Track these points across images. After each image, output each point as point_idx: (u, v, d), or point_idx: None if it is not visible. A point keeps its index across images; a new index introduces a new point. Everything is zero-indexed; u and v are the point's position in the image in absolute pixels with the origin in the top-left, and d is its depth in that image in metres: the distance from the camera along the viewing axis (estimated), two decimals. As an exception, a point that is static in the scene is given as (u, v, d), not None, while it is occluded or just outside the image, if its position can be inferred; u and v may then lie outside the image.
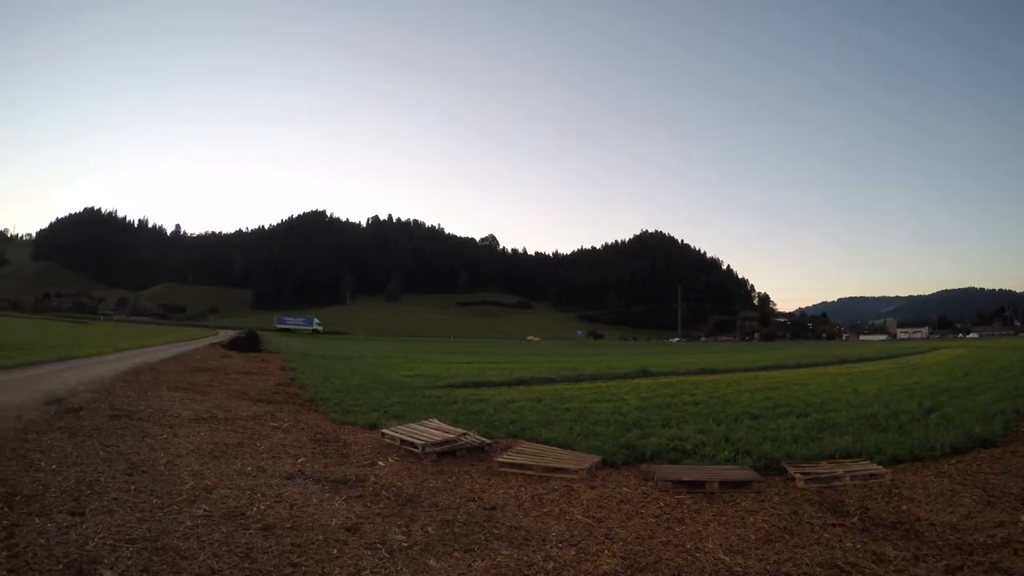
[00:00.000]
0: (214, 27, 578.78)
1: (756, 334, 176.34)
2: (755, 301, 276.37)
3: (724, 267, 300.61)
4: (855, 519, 5.96)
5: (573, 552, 5.06)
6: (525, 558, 4.91)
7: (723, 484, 6.83)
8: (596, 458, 8.11)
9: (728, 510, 6.20)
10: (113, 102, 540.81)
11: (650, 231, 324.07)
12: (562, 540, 5.36)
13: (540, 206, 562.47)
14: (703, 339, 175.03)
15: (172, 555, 4.67)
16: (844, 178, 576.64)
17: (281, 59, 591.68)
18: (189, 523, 5.41)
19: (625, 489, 6.97)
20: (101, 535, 4.95)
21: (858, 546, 5.24)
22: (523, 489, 7.05)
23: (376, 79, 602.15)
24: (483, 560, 4.87)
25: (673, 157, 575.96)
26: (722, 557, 4.95)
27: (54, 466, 7.08)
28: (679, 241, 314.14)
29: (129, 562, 4.47)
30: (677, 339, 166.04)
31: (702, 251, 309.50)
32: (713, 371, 25.93)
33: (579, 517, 6.00)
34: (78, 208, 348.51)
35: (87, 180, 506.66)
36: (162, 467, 7.41)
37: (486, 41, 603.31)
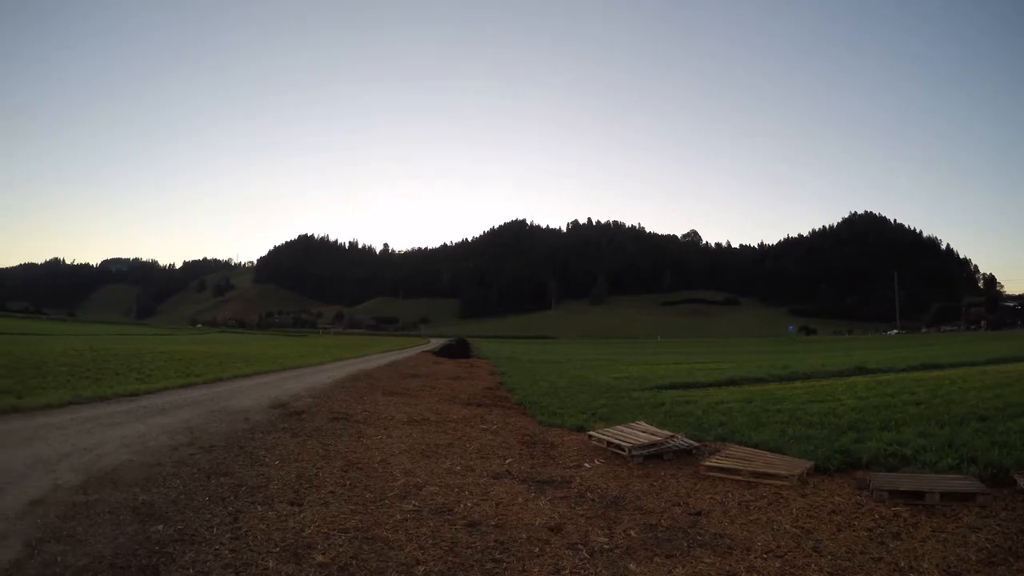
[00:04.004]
0: (405, 50, 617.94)
1: (982, 322, 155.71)
2: (979, 284, 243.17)
3: (943, 247, 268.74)
4: (1090, 542, 5.08)
5: (778, 564, 4.79)
6: (727, 568, 4.72)
7: (944, 496, 6.11)
8: (808, 464, 7.64)
9: (948, 525, 5.57)
10: (319, 137, 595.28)
11: (859, 212, 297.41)
12: (767, 551, 5.08)
13: (741, 195, 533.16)
14: (924, 330, 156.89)
15: (381, 545, 4.99)
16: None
17: (474, 79, 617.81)
18: (399, 517, 5.76)
19: (837, 498, 6.49)
20: (316, 524, 5.42)
21: (1090, 574, 4.49)
22: (730, 495, 6.80)
23: (565, 86, 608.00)
24: (684, 567, 4.73)
25: (876, 128, 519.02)
26: (937, 580, 4.50)
27: (277, 462, 7.86)
28: (891, 221, 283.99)
29: (340, 549, 4.85)
30: (895, 331, 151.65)
31: (917, 230, 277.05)
32: (936, 366, 23.56)
33: (787, 527, 5.68)
34: (293, 236, 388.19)
35: (300, 210, 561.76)
36: (376, 465, 7.96)
37: (671, 30, 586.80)
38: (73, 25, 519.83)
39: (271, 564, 4.50)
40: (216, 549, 4.73)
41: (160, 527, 5.14)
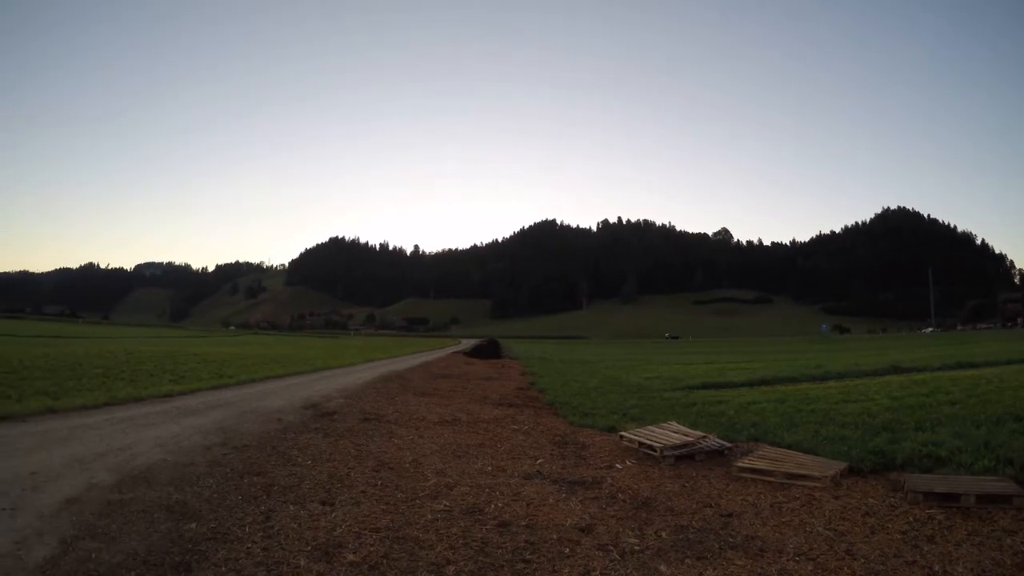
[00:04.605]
0: (434, 52, 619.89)
1: (1019, 319, 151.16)
2: (1016, 280, 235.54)
3: (978, 242, 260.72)
4: None
5: (810, 567, 4.73)
6: (759, 570, 4.68)
7: (979, 498, 5.98)
8: (841, 465, 7.54)
9: (984, 528, 5.48)
10: (349, 140, 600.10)
11: (892, 208, 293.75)
12: (799, 553, 5.02)
13: (772, 192, 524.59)
14: (959, 328, 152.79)
15: (411, 544, 5.03)
16: None
17: (503, 80, 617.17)
18: (429, 516, 5.79)
19: (871, 500, 6.41)
20: (348, 523, 5.48)
21: None
22: (762, 496, 6.73)
23: (594, 86, 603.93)
24: (715, 569, 4.70)
25: (908, 122, 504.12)
26: (971, 584, 4.40)
27: (309, 462, 7.96)
28: (925, 216, 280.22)
29: (371, 548, 4.90)
30: (930, 329, 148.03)
31: (951, 225, 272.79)
32: (972, 365, 23.15)
33: (820, 529, 5.61)
34: (324, 238, 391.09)
35: (331, 214, 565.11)
36: (407, 465, 8.02)
37: (699, 28, 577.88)
38: (103, 29, 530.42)
39: (302, 562, 4.55)
40: (248, 547, 4.80)
41: (193, 525, 5.23)
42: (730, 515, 6.06)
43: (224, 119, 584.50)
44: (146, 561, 4.45)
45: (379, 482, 7.05)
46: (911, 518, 5.78)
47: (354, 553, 4.76)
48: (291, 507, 5.89)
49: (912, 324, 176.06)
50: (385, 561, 4.65)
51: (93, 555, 4.50)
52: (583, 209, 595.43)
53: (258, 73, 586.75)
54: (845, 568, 4.69)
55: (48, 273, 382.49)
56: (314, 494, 6.40)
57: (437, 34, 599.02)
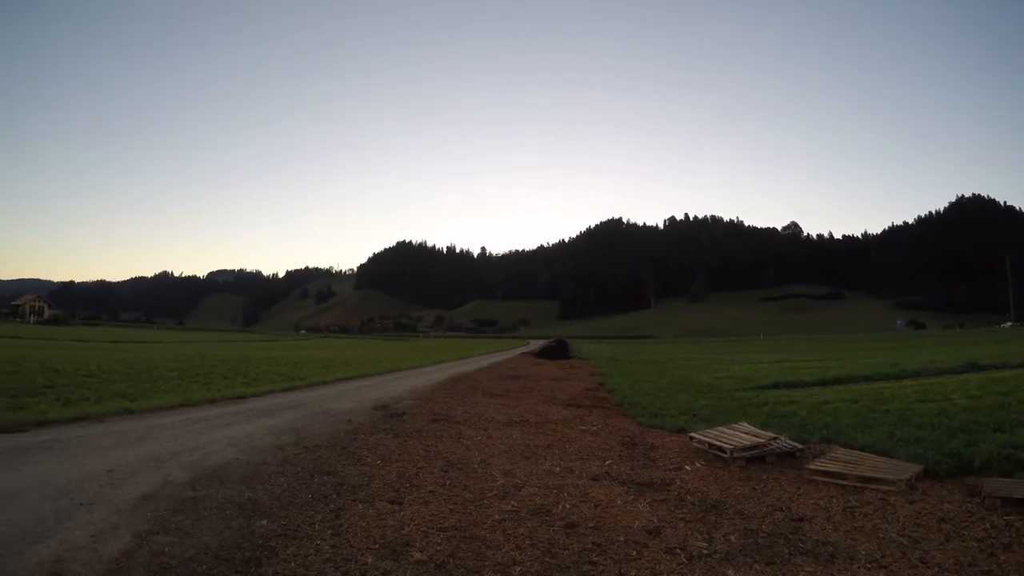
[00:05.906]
0: (497, 56, 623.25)
1: None
2: None
3: None
4: None
5: (882, 575, 4.57)
6: None
7: None
8: (917, 468, 7.24)
9: None
10: (414, 147, 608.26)
11: (967, 195, 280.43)
12: (871, 560, 4.84)
13: (842, 183, 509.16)
14: None
15: (478, 544, 5.05)
16: None
17: (567, 84, 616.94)
18: (497, 517, 5.80)
19: (947, 505, 6.18)
20: (416, 522, 5.54)
21: None
22: (834, 500, 6.54)
23: (657, 82, 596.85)
24: (784, 575, 4.58)
25: (980, 105, 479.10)
26: (1049, 596, 4.18)
27: (378, 462, 8.07)
28: (1001, 204, 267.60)
29: (438, 547, 4.94)
30: (1009, 323, 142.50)
31: None
32: None
33: (893, 535, 5.40)
34: (392, 243, 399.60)
35: (398, 218, 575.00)
36: (475, 465, 8.06)
37: (760, 23, 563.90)
38: (175, 41, 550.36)
39: (370, 560, 4.62)
40: (317, 544, 4.90)
41: (264, 522, 5.36)
42: (801, 519, 5.91)
43: (292, 132, 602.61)
44: (217, 556, 4.58)
45: (447, 482, 7.10)
46: (988, 525, 5.54)
47: (421, 552, 4.81)
48: (360, 506, 5.99)
49: (990, 318, 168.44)
50: (452, 560, 4.67)
51: (166, 549, 4.66)
52: (649, 206, 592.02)
53: (325, 84, 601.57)
54: (917, 576, 4.53)
55: (124, 282, 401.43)
56: (383, 493, 6.49)
57: (498, 43, 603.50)
